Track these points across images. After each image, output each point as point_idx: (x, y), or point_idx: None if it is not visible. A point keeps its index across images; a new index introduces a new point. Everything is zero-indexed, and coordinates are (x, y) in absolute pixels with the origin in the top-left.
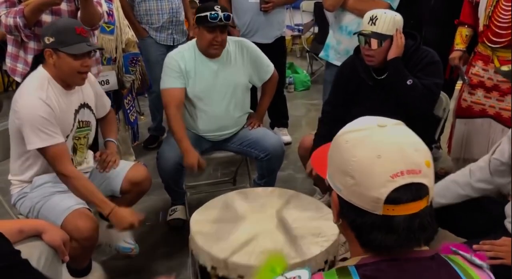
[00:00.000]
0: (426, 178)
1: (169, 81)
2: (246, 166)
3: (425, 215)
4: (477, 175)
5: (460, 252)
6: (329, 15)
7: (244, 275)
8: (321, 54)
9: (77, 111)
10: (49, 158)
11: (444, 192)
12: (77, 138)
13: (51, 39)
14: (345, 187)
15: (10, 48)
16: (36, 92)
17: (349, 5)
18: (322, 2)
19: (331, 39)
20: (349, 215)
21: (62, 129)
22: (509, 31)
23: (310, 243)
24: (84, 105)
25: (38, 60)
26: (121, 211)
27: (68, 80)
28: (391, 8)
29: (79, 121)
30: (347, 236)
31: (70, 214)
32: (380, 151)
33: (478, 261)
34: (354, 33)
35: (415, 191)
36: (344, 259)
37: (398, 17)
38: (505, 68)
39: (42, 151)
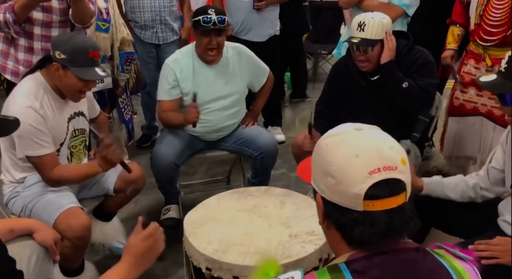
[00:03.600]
0: (403, 174)
1: (164, 94)
2: (240, 164)
3: (405, 210)
4: (480, 184)
5: (444, 246)
6: (345, 13)
7: (239, 276)
8: (334, 52)
9: (69, 120)
10: (36, 166)
11: (454, 187)
12: (73, 147)
13: (62, 56)
14: (328, 187)
15: (0, 46)
16: (29, 100)
17: (364, 5)
18: None
19: (345, 37)
20: (333, 215)
21: (55, 138)
22: (500, 29)
23: (304, 242)
24: (79, 114)
25: (42, 64)
26: (105, 156)
27: (66, 95)
28: (406, 15)
29: (74, 130)
30: (332, 238)
31: (63, 213)
32: (357, 150)
33: (461, 253)
34: (344, 41)
35: (392, 186)
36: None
37: (387, 20)
38: (484, 79)
39: (30, 158)
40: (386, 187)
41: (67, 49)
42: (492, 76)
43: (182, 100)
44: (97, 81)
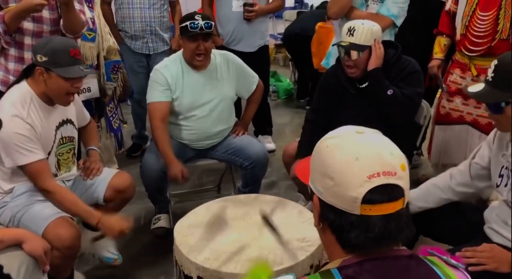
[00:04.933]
0: (401, 180)
1: (154, 95)
2: (231, 173)
3: (401, 216)
4: (457, 179)
5: (437, 253)
6: (334, 23)
7: None
8: (323, 62)
9: (58, 128)
10: (29, 174)
11: (425, 195)
12: (60, 154)
13: (44, 58)
14: (326, 189)
15: None
16: (16, 109)
17: (353, 16)
18: (327, 8)
19: (333, 47)
20: (329, 217)
21: (43, 146)
22: (485, 40)
23: (296, 248)
24: (67, 121)
25: (27, 73)
26: (109, 219)
27: (55, 99)
28: (394, 25)
29: (62, 137)
30: (326, 241)
31: (52, 222)
32: (358, 153)
33: (453, 262)
34: (333, 45)
35: (391, 191)
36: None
37: (376, 27)
38: (472, 89)
39: (22, 168)
40: (384, 192)
41: (47, 51)
42: (479, 86)
43: (172, 105)
44: (84, 90)
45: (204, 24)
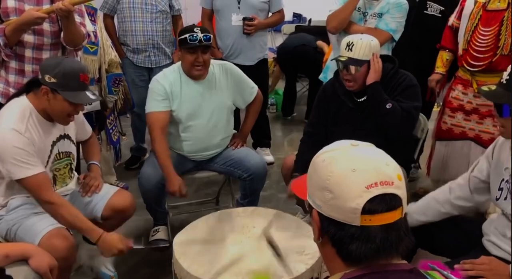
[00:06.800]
0: (399, 189)
1: (153, 105)
2: (229, 185)
3: (401, 226)
4: (456, 193)
5: (437, 268)
6: (332, 37)
7: None
8: (320, 76)
9: (54, 143)
10: (30, 188)
11: (425, 209)
12: (57, 170)
13: (53, 80)
14: (324, 202)
15: None
16: (14, 123)
17: (351, 30)
18: (326, 23)
19: (331, 61)
20: (329, 230)
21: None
22: (487, 55)
23: (295, 261)
24: (64, 136)
25: (30, 87)
26: (110, 238)
27: (55, 118)
28: (392, 39)
29: (58, 153)
30: (327, 255)
31: (46, 233)
32: (354, 165)
33: (454, 277)
34: (332, 59)
35: (389, 201)
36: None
37: (374, 42)
38: (485, 88)
39: (22, 181)
40: (383, 202)
41: (57, 73)
42: (492, 86)
43: (172, 117)
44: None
45: (203, 36)
